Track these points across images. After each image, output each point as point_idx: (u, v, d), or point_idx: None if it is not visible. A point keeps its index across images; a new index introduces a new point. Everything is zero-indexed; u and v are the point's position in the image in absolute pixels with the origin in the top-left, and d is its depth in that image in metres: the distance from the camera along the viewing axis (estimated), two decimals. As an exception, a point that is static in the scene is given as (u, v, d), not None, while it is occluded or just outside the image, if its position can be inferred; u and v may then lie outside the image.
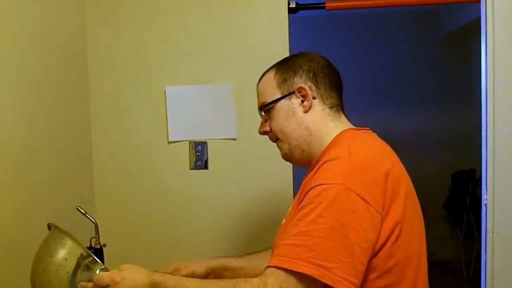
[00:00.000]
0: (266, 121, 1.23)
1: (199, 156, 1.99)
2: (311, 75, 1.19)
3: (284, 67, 1.22)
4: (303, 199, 0.99)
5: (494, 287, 1.66)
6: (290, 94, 1.18)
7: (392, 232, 0.99)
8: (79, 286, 1.06)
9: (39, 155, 1.64)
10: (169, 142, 2.01)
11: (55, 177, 1.74)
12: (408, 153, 4.39)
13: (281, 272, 0.91)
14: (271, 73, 1.23)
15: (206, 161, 1.99)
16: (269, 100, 1.20)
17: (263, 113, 1.23)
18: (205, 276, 1.33)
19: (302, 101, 1.18)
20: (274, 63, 2.05)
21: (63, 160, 1.79)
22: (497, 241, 1.66)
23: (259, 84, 1.26)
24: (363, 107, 4.57)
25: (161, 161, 2.02)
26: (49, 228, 1.25)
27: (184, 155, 2.00)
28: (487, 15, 1.64)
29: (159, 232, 2.04)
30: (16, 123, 1.52)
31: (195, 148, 1.99)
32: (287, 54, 1.92)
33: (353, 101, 5.18)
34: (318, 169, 1.02)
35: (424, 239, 1.14)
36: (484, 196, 1.69)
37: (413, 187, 1.14)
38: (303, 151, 1.18)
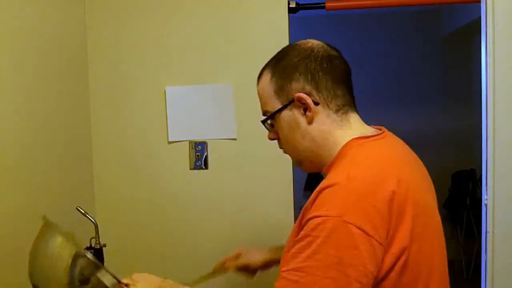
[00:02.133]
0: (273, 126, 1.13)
1: (199, 156, 1.99)
2: (309, 77, 1.04)
3: (278, 69, 1.08)
4: (303, 226, 0.92)
5: (494, 287, 1.66)
6: (290, 103, 1.05)
7: (398, 258, 0.92)
8: None
9: (39, 155, 1.64)
10: (169, 142, 2.01)
11: (55, 177, 1.74)
12: (408, 153, 4.43)
13: None
14: (267, 76, 1.09)
15: (206, 161, 1.99)
16: (270, 110, 1.09)
17: (266, 125, 1.13)
18: (262, 266, 1.39)
19: (305, 110, 1.05)
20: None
21: (63, 160, 1.79)
22: (497, 241, 1.66)
23: (258, 86, 1.13)
24: (362, 107, 4.55)
25: (161, 161, 2.02)
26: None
27: (184, 155, 2.00)
28: (487, 15, 1.64)
29: (159, 232, 2.04)
30: (16, 123, 1.51)
31: (195, 148, 1.99)
32: (287, 54, 1.92)
33: (353, 101, 5.12)
34: (317, 195, 0.93)
35: (440, 251, 1.08)
36: (484, 196, 1.69)
37: (429, 197, 1.06)
38: (311, 161, 1.10)
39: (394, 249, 0.90)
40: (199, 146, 1.99)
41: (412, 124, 4.45)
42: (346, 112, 1.07)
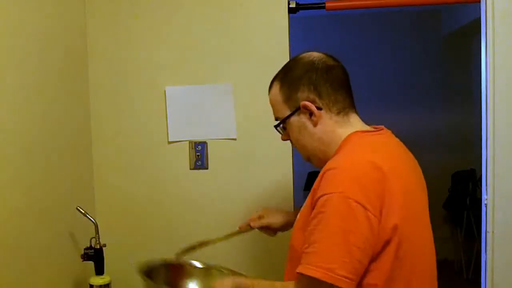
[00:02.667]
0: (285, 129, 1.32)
1: (199, 156, 1.99)
2: (312, 88, 1.23)
3: (285, 81, 1.27)
4: (314, 204, 1.10)
5: (494, 287, 1.66)
6: (297, 110, 1.24)
7: (392, 234, 1.09)
8: None
9: (39, 155, 1.64)
10: (169, 142, 2.01)
11: (55, 177, 1.74)
12: (408, 153, 4.43)
13: (303, 277, 1.08)
14: (277, 87, 1.29)
15: (206, 161, 1.99)
16: (281, 116, 1.28)
17: (279, 128, 1.32)
18: (282, 227, 1.57)
19: (310, 115, 1.23)
20: (274, 63, 2.05)
21: (63, 160, 1.79)
22: (497, 241, 1.66)
23: (270, 95, 1.32)
24: (362, 107, 4.56)
25: (161, 161, 2.02)
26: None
27: (184, 155, 2.00)
28: (487, 15, 1.64)
29: (159, 232, 2.04)
30: (16, 123, 1.52)
31: (195, 148, 1.99)
32: (287, 54, 1.92)
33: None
34: (322, 176, 1.11)
35: (429, 249, 1.22)
36: (484, 196, 1.69)
37: (419, 191, 1.25)
38: (319, 158, 1.26)
39: (387, 224, 1.07)
40: (199, 146, 1.99)
41: (412, 124, 4.45)
42: (346, 114, 1.25)
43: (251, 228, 1.59)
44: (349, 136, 1.21)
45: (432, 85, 4.50)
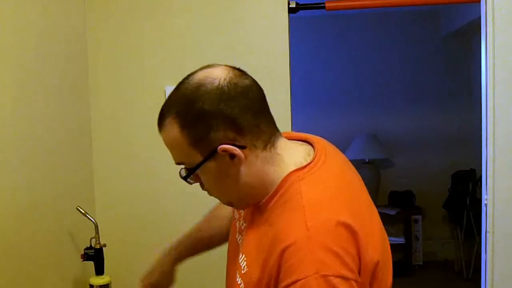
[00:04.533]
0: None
1: (199, 156, 1.98)
2: (229, 124, 0.92)
3: (188, 120, 0.93)
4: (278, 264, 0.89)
5: (494, 287, 1.66)
6: (213, 154, 0.93)
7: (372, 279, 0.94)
8: None
9: (39, 155, 1.64)
10: (169, 142, 2.00)
11: (55, 177, 1.74)
12: (408, 153, 4.44)
13: None
14: (175, 127, 0.94)
15: (206, 161, 1.98)
16: (187, 162, 0.97)
17: (186, 179, 1.00)
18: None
19: (231, 157, 0.93)
20: (274, 63, 2.03)
21: (63, 160, 1.79)
22: (497, 241, 1.66)
23: (163, 135, 0.99)
24: (362, 107, 4.57)
25: (161, 161, 2.02)
26: None
27: (184, 155, 1.99)
28: (487, 15, 1.64)
29: (159, 232, 2.03)
30: (16, 123, 1.51)
31: (195, 148, 1.99)
32: (287, 54, 1.92)
33: (353, 101, 5.17)
34: (282, 254, 0.89)
35: (390, 262, 1.04)
36: (484, 196, 1.69)
37: (372, 212, 1.02)
38: (247, 203, 1.03)
39: (364, 278, 0.91)
40: (199, 146, 1.98)
41: (412, 124, 4.45)
42: (273, 145, 0.98)
43: None
44: (287, 179, 0.95)
45: (432, 85, 4.50)
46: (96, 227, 1.76)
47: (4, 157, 1.45)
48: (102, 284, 1.76)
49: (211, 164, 0.95)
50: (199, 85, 0.94)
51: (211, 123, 0.92)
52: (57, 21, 1.79)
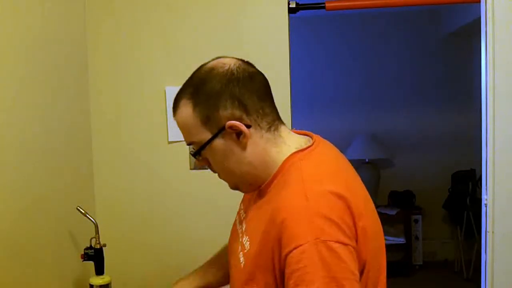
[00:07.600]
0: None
1: (199, 156, 1.99)
2: (237, 102, 1.01)
3: (200, 98, 1.02)
4: (284, 263, 0.93)
5: (494, 287, 1.66)
6: (221, 131, 1.02)
7: (365, 257, 0.98)
8: None
9: (39, 155, 1.64)
10: (169, 142, 2.01)
11: (55, 177, 1.74)
12: (408, 153, 4.44)
13: None
14: (188, 107, 1.04)
15: (206, 161, 1.99)
16: (198, 141, 1.05)
17: (195, 156, 1.09)
18: None
19: (238, 136, 1.02)
20: (274, 63, 2.04)
21: (63, 160, 1.79)
22: (497, 241, 1.66)
23: (177, 117, 1.07)
24: (362, 107, 4.58)
25: (161, 161, 2.02)
26: None
27: (184, 155, 2.00)
28: (487, 15, 1.64)
29: (159, 232, 2.04)
30: (15, 122, 1.51)
31: (195, 148, 1.99)
32: (287, 54, 1.92)
33: (353, 101, 5.17)
34: (282, 222, 0.94)
35: (384, 252, 1.09)
36: (484, 196, 1.69)
37: (367, 198, 1.08)
38: (250, 184, 1.09)
39: (361, 249, 0.96)
40: (199, 146, 1.98)
41: (412, 124, 4.45)
42: (276, 128, 1.07)
43: None
44: (289, 159, 1.03)
45: (432, 85, 4.50)
46: (96, 227, 1.76)
47: (4, 157, 1.45)
48: (102, 284, 1.76)
49: (219, 141, 1.03)
50: (211, 69, 1.05)
51: (220, 101, 1.01)
52: (57, 21, 1.79)
